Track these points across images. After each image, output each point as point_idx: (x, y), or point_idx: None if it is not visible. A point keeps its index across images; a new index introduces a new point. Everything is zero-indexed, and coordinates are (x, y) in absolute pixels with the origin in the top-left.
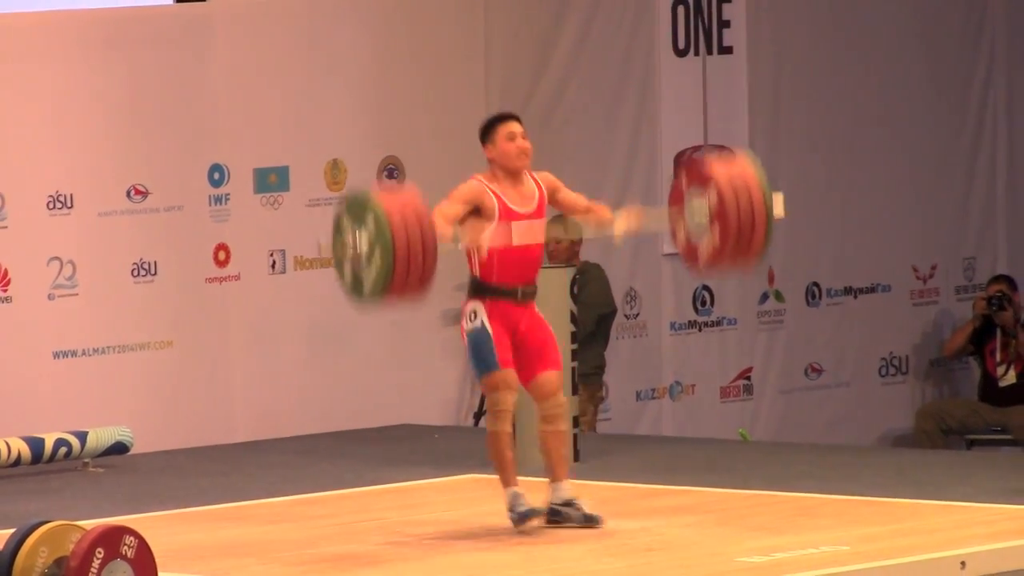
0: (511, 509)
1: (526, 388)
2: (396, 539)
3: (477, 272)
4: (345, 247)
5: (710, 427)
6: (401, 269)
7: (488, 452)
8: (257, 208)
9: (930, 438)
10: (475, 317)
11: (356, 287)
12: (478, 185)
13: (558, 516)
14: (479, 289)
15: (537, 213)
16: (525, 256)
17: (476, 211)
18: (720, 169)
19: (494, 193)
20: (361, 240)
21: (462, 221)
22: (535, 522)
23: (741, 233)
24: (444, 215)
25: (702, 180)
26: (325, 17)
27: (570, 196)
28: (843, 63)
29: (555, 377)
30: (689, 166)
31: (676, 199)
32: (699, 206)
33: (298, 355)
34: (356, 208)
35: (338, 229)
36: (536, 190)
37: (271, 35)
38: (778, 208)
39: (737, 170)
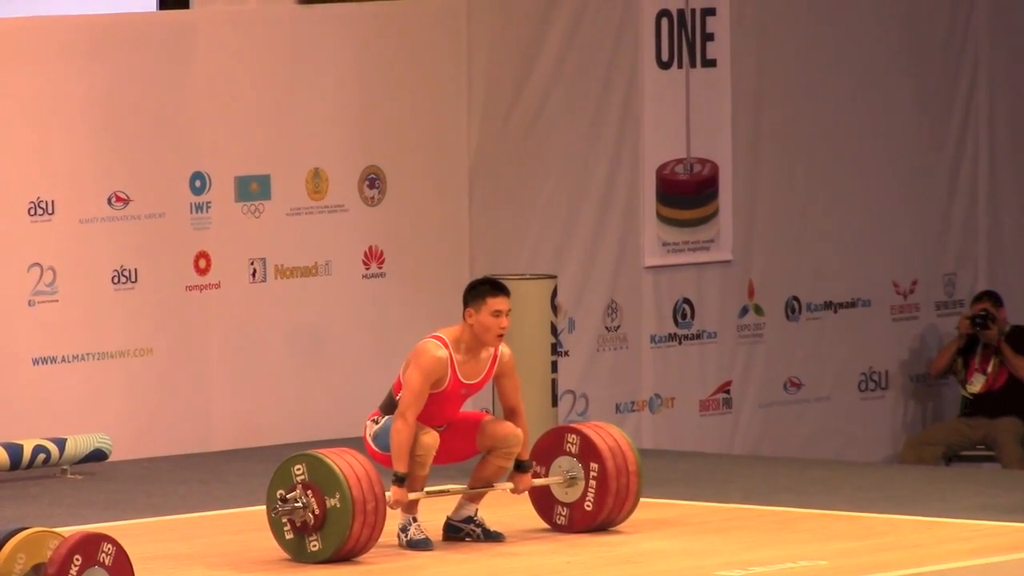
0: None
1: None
2: (377, 546)
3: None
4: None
5: (690, 440)
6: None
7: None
8: (238, 216)
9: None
10: (380, 420)
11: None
12: (443, 360)
13: (457, 532)
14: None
15: (479, 386)
16: (439, 416)
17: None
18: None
19: (452, 366)
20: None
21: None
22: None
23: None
24: (407, 424)
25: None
26: (308, 26)
27: (509, 387)
28: (826, 78)
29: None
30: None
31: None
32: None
33: (278, 364)
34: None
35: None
36: (490, 365)
37: (254, 43)
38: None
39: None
